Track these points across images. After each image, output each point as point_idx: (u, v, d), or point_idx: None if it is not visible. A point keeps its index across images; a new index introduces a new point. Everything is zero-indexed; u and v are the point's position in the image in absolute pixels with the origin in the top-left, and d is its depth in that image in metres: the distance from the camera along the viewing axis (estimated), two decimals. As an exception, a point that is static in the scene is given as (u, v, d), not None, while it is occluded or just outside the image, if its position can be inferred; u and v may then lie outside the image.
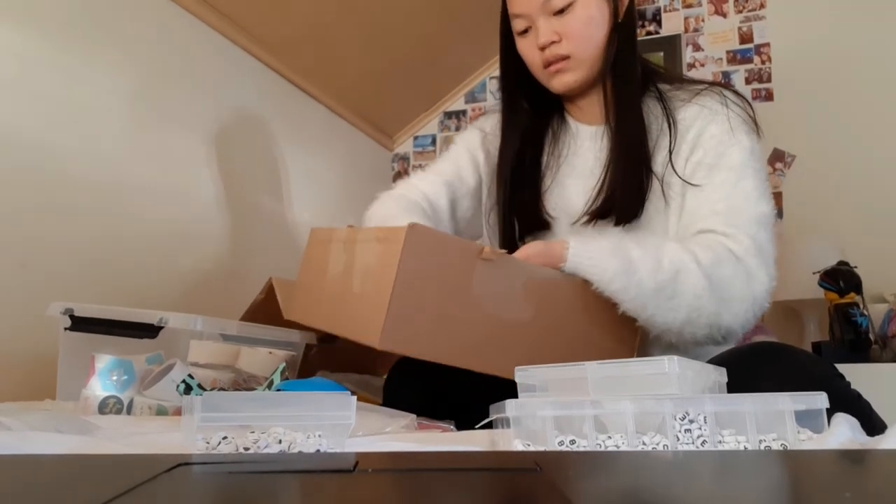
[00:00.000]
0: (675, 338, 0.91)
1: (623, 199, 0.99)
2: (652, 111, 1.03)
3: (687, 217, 0.98)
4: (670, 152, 1.00)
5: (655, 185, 1.00)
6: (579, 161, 1.09)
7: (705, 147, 0.98)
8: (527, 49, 1.05)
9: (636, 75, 1.03)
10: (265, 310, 1.19)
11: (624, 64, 1.03)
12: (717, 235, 0.92)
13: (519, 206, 1.10)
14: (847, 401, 0.81)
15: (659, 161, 1.00)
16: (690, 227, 0.97)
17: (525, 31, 1.05)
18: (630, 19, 1.04)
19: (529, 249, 0.92)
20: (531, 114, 1.11)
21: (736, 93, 1.03)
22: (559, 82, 1.05)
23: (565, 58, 1.02)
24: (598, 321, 0.90)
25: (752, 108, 1.02)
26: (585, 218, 1.02)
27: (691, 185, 0.97)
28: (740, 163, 0.96)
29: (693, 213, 0.97)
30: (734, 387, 0.71)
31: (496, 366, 0.82)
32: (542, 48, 1.02)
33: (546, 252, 0.91)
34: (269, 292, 1.17)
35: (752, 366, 0.82)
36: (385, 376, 1.08)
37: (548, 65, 1.04)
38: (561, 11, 1.01)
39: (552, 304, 0.88)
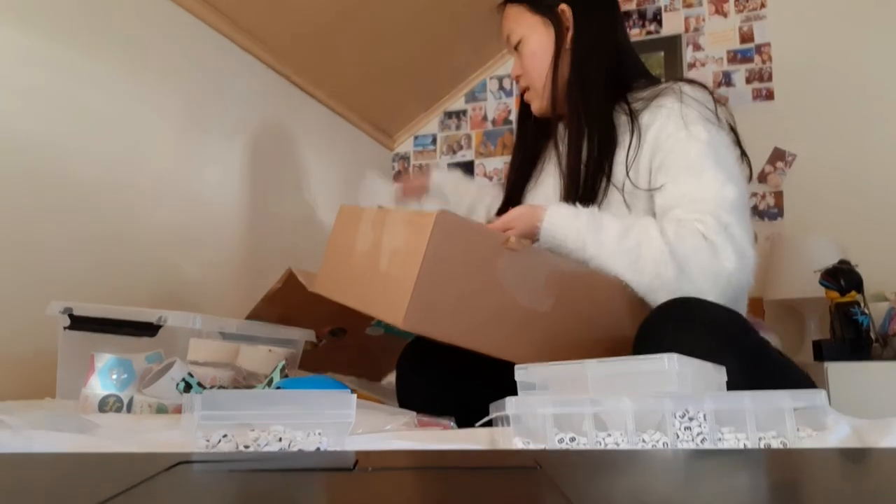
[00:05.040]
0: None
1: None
2: (623, 124, 1.05)
3: (657, 216, 0.99)
4: (628, 163, 1.01)
5: (615, 194, 1.01)
6: (559, 159, 1.14)
7: (664, 148, 0.99)
8: None
9: (589, 95, 1.06)
10: (281, 299, 1.18)
11: (574, 85, 1.08)
12: (686, 220, 0.93)
13: (503, 206, 1.18)
14: (749, 346, 0.82)
15: (621, 172, 1.02)
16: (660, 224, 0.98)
17: None
18: (583, 43, 1.09)
19: (514, 212, 0.96)
20: (537, 124, 1.20)
21: (696, 85, 1.04)
22: (532, 108, 1.16)
23: (527, 89, 1.15)
24: (618, 318, 0.91)
25: (713, 98, 1.03)
26: None
27: (656, 189, 0.99)
28: (698, 156, 0.97)
29: (661, 209, 0.98)
30: (644, 346, 0.76)
31: (513, 352, 0.83)
32: (515, 80, 1.18)
33: (528, 214, 0.95)
34: (287, 282, 1.17)
35: (662, 321, 0.83)
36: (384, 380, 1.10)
37: (522, 93, 1.17)
38: (516, 48, 1.14)
39: (572, 297, 0.89)
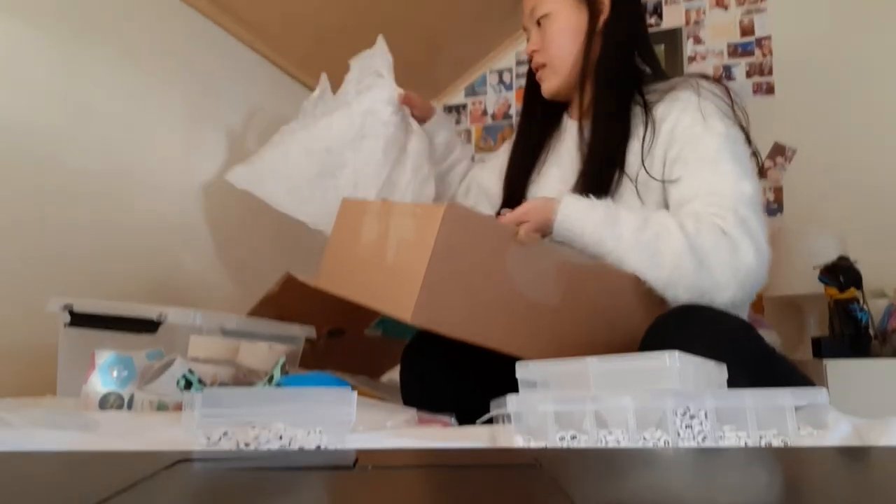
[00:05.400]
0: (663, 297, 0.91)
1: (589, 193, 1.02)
2: (637, 115, 1.04)
3: (672, 208, 0.98)
4: (643, 154, 1.00)
5: (628, 185, 1.00)
6: (563, 150, 1.14)
7: (680, 141, 0.98)
8: (528, 55, 1.16)
9: (617, 81, 1.06)
10: (277, 303, 1.18)
11: (603, 70, 1.07)
12: (704, 214, 0.92)
13: (506, 197, 1.17)
14: (755, 355, 0.81)
15: (635, 163, 1.01)
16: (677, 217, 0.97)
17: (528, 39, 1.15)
18: (615, 28, 1.07)
19: (528, 205, 0.94)
20: (544, 114, 1.18)
21: (712, 81, 1.04)
22: (543, 87, 1.14)
23: (543, 65, 1.12)
24: (629, 314, 0.90)
25: (729, 95, 1.02)
26: None
27: (672, 181, 0.98)
28: (716, 149, 0.96)
29: (677, 202, 0.97)
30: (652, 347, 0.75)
31: (521, 348, 0.82)
32: (529, 56, 1.14)
33: (543, 206, 0.93)
34: (284, 286, 1.16)
35: (670, 326, 0.83)
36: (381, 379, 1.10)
37: (535, 70, 1.14)
38: (538, 23, 1.11)
39: (582, 291, 0.88)
